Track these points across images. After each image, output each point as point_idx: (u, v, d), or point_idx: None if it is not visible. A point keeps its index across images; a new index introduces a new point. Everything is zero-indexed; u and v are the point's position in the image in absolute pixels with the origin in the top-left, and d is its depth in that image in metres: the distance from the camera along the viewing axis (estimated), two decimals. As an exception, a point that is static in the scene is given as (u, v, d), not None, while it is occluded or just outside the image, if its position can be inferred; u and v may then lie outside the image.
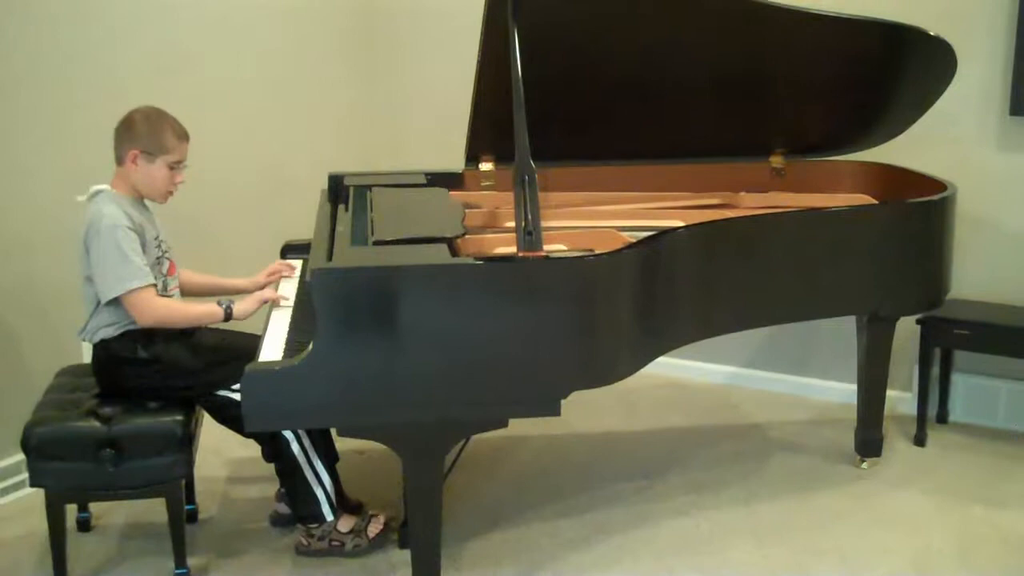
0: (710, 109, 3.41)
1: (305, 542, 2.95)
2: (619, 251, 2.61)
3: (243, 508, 3.27)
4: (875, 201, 3.51)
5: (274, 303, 2.93)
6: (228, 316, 2.81)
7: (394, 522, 3.03)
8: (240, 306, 2.84)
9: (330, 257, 2.64)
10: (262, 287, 3.11)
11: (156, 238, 2.87)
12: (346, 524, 2.96)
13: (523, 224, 2.52)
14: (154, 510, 2.96)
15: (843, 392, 4.04)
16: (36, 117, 3.34)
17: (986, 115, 3.71)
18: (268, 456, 2.96)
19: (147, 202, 2.90)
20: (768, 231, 3.04)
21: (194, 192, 2.98)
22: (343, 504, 3.01)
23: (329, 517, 2.91)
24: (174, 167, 2.81)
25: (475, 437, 2.72)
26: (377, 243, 2.61)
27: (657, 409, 4.10)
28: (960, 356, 3.84)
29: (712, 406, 4.15)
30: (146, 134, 2.76)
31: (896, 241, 3.20)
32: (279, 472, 2.96)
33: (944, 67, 3.24)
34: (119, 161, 2.81)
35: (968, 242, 3.66)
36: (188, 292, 3.07)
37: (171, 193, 2.86)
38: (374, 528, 2.99)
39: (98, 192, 2.79)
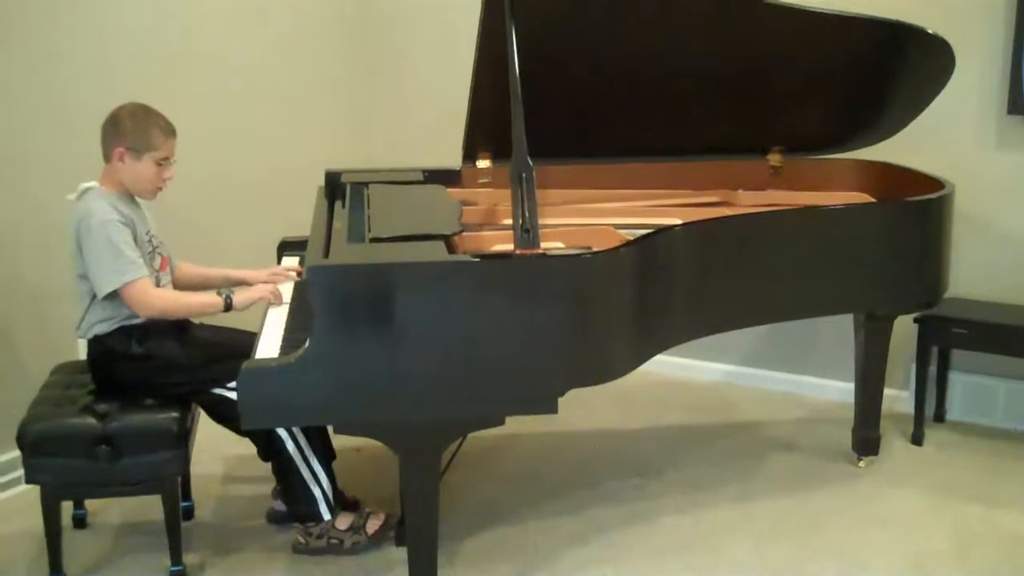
0: (708, 107, 3.41)
1: (303, 540, 2.94)
2: (616, 249, 2.61)
3: (239, 505, 3.26)
4: (873, 199, 3.51)
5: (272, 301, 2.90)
6: (228, 306, 2.80)
7: (392, 519, 3.03)
8: (241, 296, 2.83)
9: (327, 254, 2.63)
10: (264, 281, 3.08)
11: (147, 233, 2.85)
12: (344, 522, 2.95)
13: (520, 222, 2.52)
14: (150, 507, 2.95)
15: (840, 390, 4.04)
16: (28, 112, 3.33)
17: (984, 113, 3.71)
18: (264, 456, 2.95)
19: (137, 198, 2.89)
20: (765, 229, 3.04)
21: (191, 189, 2.98)
22: (340, 501, 3.00)
23: (327, 516, 2.90)
24: (161, 163, 2.79)
25: (472, 435, 2.71)
26: (374, 240, 2.60)
27: (654, 407, 4.10)
28: (958, 355, 3.84)
29: (709, 404, 4.14)
30: (132, 131, 2.74)
31: (894, 240, 3.20)
32: (276, 471, 2.95)
33: (942, 65, 3.23)
34: (106, 158, 2.79)
35: (966, 241, 3.65)
36: (189, 285, 3.05)
37: (160, 189, 2.84)
38: (373, 525, 2.98)
39: (87, 190, 2.77)
